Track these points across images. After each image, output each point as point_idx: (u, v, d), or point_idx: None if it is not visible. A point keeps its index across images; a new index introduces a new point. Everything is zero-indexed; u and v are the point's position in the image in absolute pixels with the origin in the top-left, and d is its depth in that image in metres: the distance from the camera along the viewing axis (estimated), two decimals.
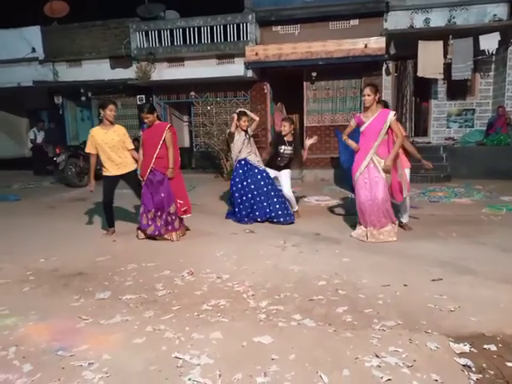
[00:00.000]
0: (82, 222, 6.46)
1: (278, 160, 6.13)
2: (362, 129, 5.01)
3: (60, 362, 2.49)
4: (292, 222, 5.92)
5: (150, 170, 5.16)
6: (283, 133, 6.03)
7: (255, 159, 6.10)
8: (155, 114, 5.23)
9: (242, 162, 6.06)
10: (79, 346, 2.66)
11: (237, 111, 6.23)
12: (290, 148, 6.05)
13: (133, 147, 5.55)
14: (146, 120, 5.18)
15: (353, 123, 5.13)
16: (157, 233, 5.21)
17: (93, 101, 13.47)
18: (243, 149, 6.03)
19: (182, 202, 5.31)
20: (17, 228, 6.11)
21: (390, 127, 4.88)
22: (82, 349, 2.63)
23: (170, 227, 5.26)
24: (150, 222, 5.22)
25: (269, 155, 6.25)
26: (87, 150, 5.47)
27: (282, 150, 6.05)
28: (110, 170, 5.42)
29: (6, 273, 4.16)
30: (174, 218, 5.24)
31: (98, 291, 3.61)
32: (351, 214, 5.98)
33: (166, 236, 5.26)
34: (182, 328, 2.88)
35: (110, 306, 3.31)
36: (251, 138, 6.16)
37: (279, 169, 6.19)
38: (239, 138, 6.04)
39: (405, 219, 5.55)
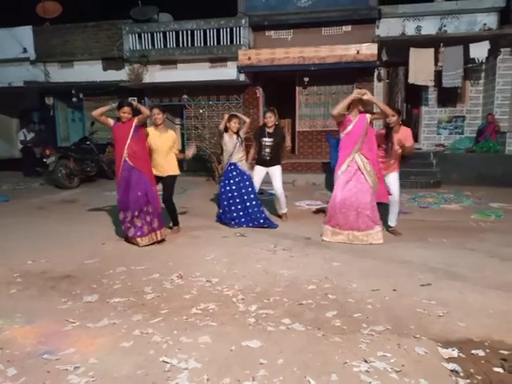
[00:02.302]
0: (71, 223, 6.39)
1: (263, 154, 6.23)
2: (349, 128, 5.08)
3: (45, 366, 2.46)
4: (274, 227, 5.95)
5: (124, 168, 5.05)
6: (268, 124, 6.16)
7: (246, 166, 6.13)
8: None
9: (232, 167, 6.05)
10: (65, 350, 2.63)
11: (229, 114, 6.23)
12: (270, 140, 6.18)
13: (177, 151, 5.81)
14: (124, 115, 5.04)
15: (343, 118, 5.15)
16: (138, 233, 5.08)
17: (84, 102, 13.40)
18: (234, 153, 6.01)
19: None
20: (5, 229, 6.03)
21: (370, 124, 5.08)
22: (69, 352, 2.60)
23: (149, 228, 5.14)
24: (128, 225, 5.11)
25: (256, 150, 6.39)
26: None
27: (264, 142, 6.21)
28: (154, 168, 5.50)
29: None
30: (152, 217, 5.13)
31: (86, 294, 3.57)
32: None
33: (136, 239, 5.12)
34: (170, 332, 2.85)
35: (98, 309, 3.28)
36: (243, 143, 6.16)
37: (267, 164, 6.23)
38: (230, 141, 6.01)
39: (393, 223, 5.58)
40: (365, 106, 5.08)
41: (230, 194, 6.03)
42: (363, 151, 5.03)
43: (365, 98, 4.92)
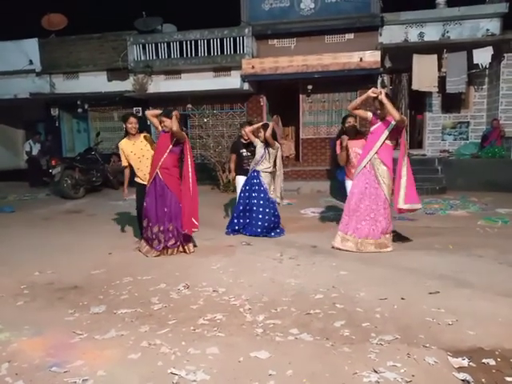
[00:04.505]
0: (77, 234, 6.41)
1: (244, 164, 6.43)
2: (372, 128, 5.14)
3: (54, 379, 2.45)
4: (270, 236, 5.96)
5: (154, 179, 5.04)
6: (244, 136, 6.37)
7: (268, 178, 6.07)
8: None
9: (255, 174, 6.08)
10: (73, 362, 2.62)
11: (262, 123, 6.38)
12: (247, 150, 6.43)
13: None
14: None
15: (369, 115, 5.19)
16: (157, 247, 5.09)
17: (89, 113, 13.52)
18: (260, 163, 6.04)
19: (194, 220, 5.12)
20: (11, 240, 6.05)
21: (395, 132, 5.04)
22: (77, 365, 2.59)
23: (165, 245, 5.12)
24: (153, 236, 5.10)
25: (235, 162, 6.60)
26: (123, 164, 5.59)
27: (242, 153, 6.47)
28: (141, 178, 5.47)
29: None
30: (170, 236, 5.10)
31: (93, 305, 3.57)
32: None
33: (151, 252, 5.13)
34: (178, 343, 2.84)
35: (105, 320, 3.27)
36: (271, 156, 6.04)
37: (247, 173, 6.28)
38: (259, 149, 6.07)
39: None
40: (382, 108, 5.01)
41: (247, 201, 6.10)
42: (381, 157, 5.00)
43: (379, 97, 4.92)
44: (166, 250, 5.16)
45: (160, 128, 5.12)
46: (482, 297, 3.53)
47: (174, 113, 4.96)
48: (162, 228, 5.08)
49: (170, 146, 5.02)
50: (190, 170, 5.07)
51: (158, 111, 5.28)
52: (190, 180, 5.07)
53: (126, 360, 2.64)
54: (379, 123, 5.07)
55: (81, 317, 3.35)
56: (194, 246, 5.37)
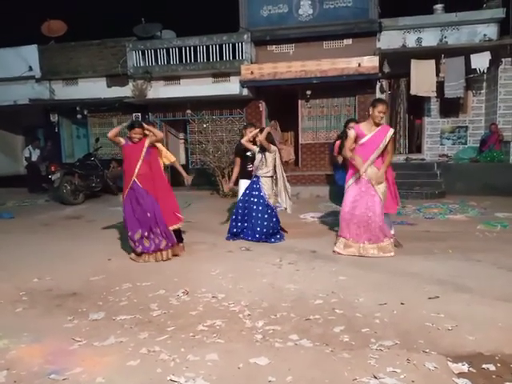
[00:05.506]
0: (76, 240, 6.40)
1: (246, 167, 6.37)
2: (363, 140, 5.01)
3: None
4: (270, 242, 5.94)
5: (133, 188, 5.05)
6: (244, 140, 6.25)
7: (269, 183, 6.05)
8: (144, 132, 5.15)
9: (255, 179, 6.07)
10: (72, 369, 2.61)
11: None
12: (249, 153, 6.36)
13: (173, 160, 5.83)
14: (136, 135, 5.05)
15: (352, 134, 5.07)
16: (145, 250, 5.08)
17: (89, 119, 13.54)
18: (259, 167, 6.02)
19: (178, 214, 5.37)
20: (10, 246, 6.04)
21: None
22: (76, 372, 2.59)
23: (156, 248, 5.12)
24: (137, 244, 5.08)
25: (239, 166, 6.47)
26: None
27: (248, 155, 6.36)
28: None
29: None
30: (160, 238, 5.10)
31: (92, 312, 3.56)
32: None
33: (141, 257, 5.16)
34: (178, 349, 2.84)
35: (104, 326, 3.27)
36: (267, 159, 6.00)
37: (251, 176, 6.24)
38: (257, 154, 6.04)
39: (391, 230, 5.50)
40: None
41: (246, 205, 6.08)
42: (376, 164, 4.98)
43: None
44: (161, 252, 5.15)
45: (123, 142, 5.12)
46: (481, 302, 3.53)
47: (147, 126, 5.20)
48: (146, 233, 5.08)
49: (143, 154, 5.05)
50: (162, 169, 5.40)
51: (121, 126, 5.35)
52: (163, 178, 5.39)
53: (125, 367, 2.64)
54: (373, 133, 4.96)
55: (80, 323, 3.34)
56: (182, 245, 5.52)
